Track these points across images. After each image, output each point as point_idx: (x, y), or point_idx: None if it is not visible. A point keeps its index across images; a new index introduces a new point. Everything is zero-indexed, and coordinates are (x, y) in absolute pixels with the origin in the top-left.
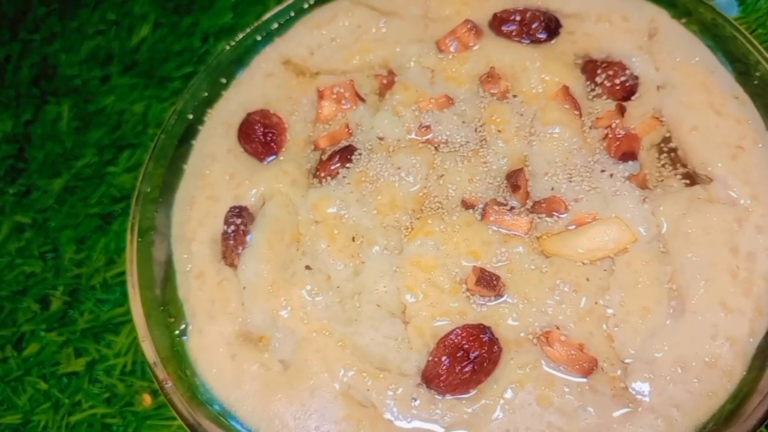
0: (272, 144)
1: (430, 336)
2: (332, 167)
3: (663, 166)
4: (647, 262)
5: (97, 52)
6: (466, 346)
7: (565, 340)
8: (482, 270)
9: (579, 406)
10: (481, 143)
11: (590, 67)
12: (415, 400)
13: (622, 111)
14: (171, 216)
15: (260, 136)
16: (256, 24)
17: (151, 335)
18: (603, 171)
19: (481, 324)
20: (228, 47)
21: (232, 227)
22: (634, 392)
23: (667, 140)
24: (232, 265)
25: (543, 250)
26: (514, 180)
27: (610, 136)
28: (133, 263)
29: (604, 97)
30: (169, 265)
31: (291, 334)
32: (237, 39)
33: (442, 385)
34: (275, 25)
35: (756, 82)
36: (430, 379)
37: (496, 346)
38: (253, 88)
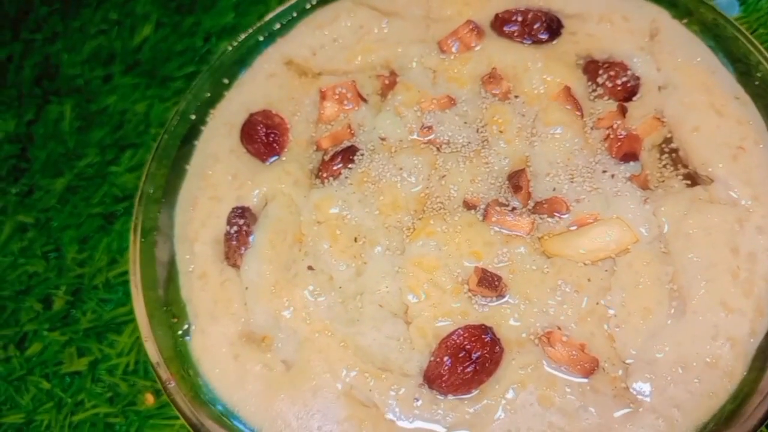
0: (275, 144)
1: (432, 336)
2: (334, 168)
3: (664, 166)
4: (648, 262)
5: (99, 52)
6: (468, 347)
7: (566, 340)
8: (484, 270)
9: (580, 407)
10: (482, 144)
11: (592, 68)
12: (417, 400)
13: (623, 112)
14: (174, 216)
15: (263, 136)
16: (258, 24)
17: (154, 335)
18: (604, 171)
19: (483, 324)
20: (230, 48)
21: (235, 228)
22: (635, 392)
23: (668, 141)
24: (235, 265)
25: (544, 250)
26: (516, 180)
27: (611, 136)
28: (136, 263)
29: (606, 97)
30: (171, 265)
31: (293, 334)
32: (239, 39)
33: (444, 385)
34: (277, 26)
35: (757, 83)
36: (432, 379)
37: (497, 347)
38: (255, 89)
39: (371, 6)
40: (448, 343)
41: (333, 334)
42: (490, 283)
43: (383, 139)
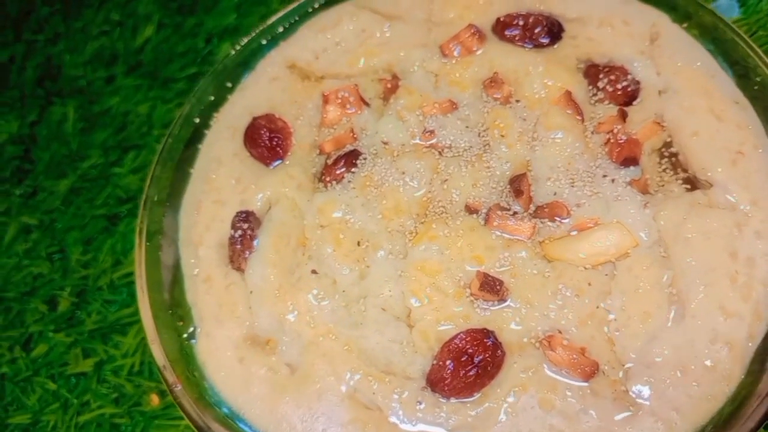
0: (278, 149)
1: (434, 340)
2: (337, 172)
3: (664, 170)
4: (648, 266)
5: (101, 53)
6: (471, 351)
7: (567, 344)
8: (486, 275)
9: (581, 410)
10: (484, 148)
11: (592, 72)
12: (420, 403)
13: (623, 116)
14: (178, 220)
15: (266, 140)
16: (261, 27)
17: (160, 338)
18: (605, 176)
19: (485, 328)
20: (233, 51)
21: (239, 232)
22: (634, 396)
23: (668, 145)
24: (240, 269)
25: (545, 254)
26: (518, 185)
27: (611, 141)
28: (141, 267)
29: (606, 101)
30: (176, 268)
31: (298, 337)
32: (242, 43)
33: (446, 388)
34: (280, 29)
35: (756, 87)
36: (434, 382)
37: (499, 351)
38: (258, 92)
39: (373, 9)
40: (451, 347)
41: (337, 337)
42: (491, 287)
43: (386, 143)
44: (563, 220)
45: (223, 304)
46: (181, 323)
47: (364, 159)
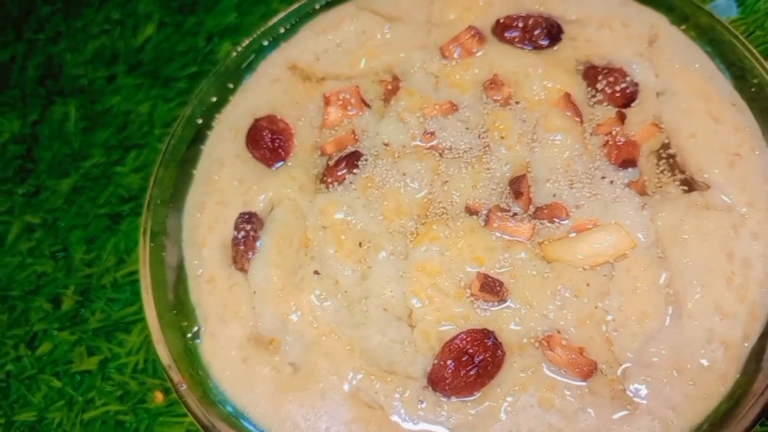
0: (280, 150)
1: (435, 340)
2: (339, 173)
3: (662, 172)
4: (646, 267)
5: (102, 52)
6: (471, 351)
7: (566, 344)
8: (486, 276)
9: (579, 408)
10: (484, 149)
11: (591, 74)
12: (422, 402)
13: (622, 118)
14: (182, 221)
15: (268, 142)
16: (262, 28)
17: (164, 338)
18: (603, 178)
19: (485, 329)
20: (235, 53)
21: (242, 233)
22: (631, 395)
23: (666, 146)
24: (243, 269)
25: (545, 255)
26: (517, 186)
27: (610, 143)
28: (146, 267)
29: (605, 103)
30: (180, 269)
31: (301, 337)
32: (244, 44)
33: (447, 387)
34: (281, 30)
35: (753, 89)
36: (435, 382)
37: (499, 351)
38: (260, 94)
39: (374, 11)
40: (452, 347)
41: (339, 337)
42: (492, 288)
43: (387, 145)
44: (562, 222)
45: (227, 305)
46: (185, 323)
47: (366, 160)
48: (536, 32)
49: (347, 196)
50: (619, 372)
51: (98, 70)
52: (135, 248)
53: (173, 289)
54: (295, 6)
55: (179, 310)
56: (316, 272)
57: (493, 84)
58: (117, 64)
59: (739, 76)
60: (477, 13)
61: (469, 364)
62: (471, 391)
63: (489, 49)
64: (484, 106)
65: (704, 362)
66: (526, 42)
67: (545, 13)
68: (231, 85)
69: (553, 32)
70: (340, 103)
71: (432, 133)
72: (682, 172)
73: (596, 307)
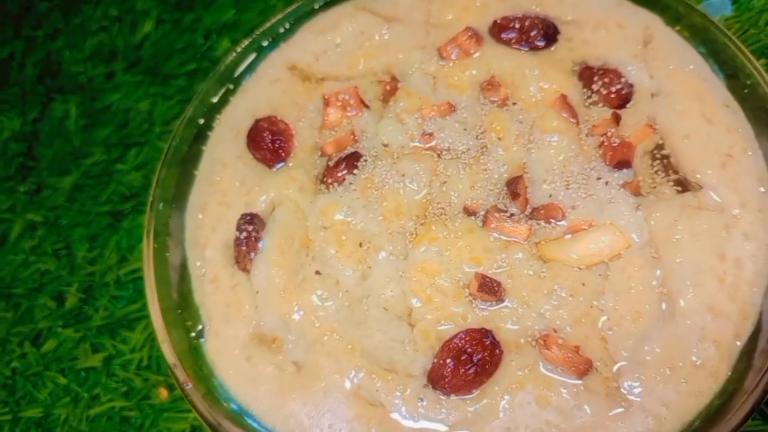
0: (281, 151)
1: (435, 339)
2: (339, 174)
3: (656, 172)
4: (640, 267)
5: (100, 49)
6: (470, 350)
7: (562, 342)
8: (484, 276)
9: (575, 406)
10: (482, 150)
11: (587, 75)
12: (422, 400)
13: (617, 120)
14: (184, 221)
15: (269, 143)
16: (261, 29)
17: (169, 337)
18: (599, 179)
19: (483, 328)
20: (234, 53)
21: (244, 234)
22: (626, 392)
23: (660, 147)
24: (245, 270)
25: (541, 255)
26: (514, 187)
27: (605, 144)
28: (150, 267)
29: (600, 104)
30: (183, 269)
31: (303, 336)
32: (243, 44)
33: (446, 386)
34: (281, 30)
35: (746, 90)
36: (435, 380)
37: (497, 349)
38: (260, 94)
39: (372, 11)
40: (451, 346)
41: (341, 336)
42: (490, 288)
43: (386, 146)
44: (558, 222)
45: (230, 304)
46: (189, 322)
47: (365, 161)
48: (533, 33)
49: (347, 196)
50: (614, 370)
51: (97, 68)
52: (137, 246)
53: (177, 289)
54: (294, 6)
55: (183, 310)
56: (317, 272)
57: (490, 85)
58: (116, 61)
59: (732, 75)
60: (474, 14)
61: (468, 362)
62: (470, 389)
63: (486, 50)
64: (481, 107)
65: (696, 360)
66: (523, 43)
67: (542, 14)
68: (231, 86)
69: (550, 33)
70: (340, 103)
71: (430, 134)
72: (676, 172)
73: (591, 307)
